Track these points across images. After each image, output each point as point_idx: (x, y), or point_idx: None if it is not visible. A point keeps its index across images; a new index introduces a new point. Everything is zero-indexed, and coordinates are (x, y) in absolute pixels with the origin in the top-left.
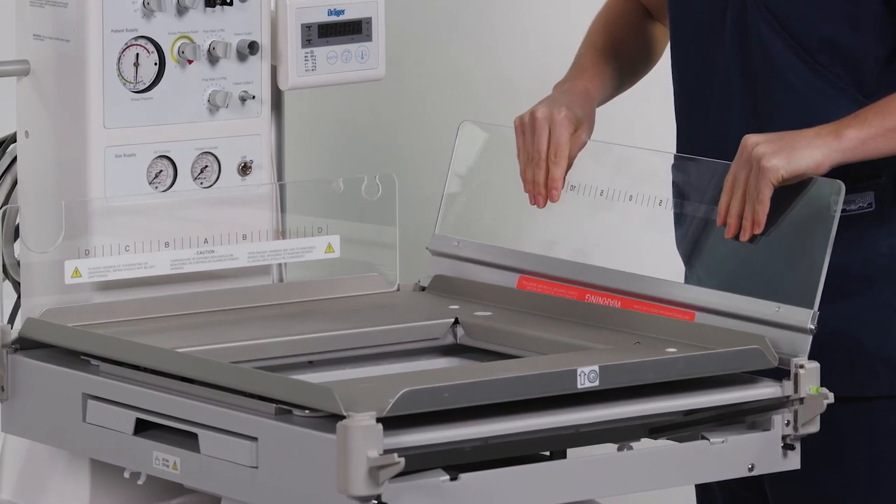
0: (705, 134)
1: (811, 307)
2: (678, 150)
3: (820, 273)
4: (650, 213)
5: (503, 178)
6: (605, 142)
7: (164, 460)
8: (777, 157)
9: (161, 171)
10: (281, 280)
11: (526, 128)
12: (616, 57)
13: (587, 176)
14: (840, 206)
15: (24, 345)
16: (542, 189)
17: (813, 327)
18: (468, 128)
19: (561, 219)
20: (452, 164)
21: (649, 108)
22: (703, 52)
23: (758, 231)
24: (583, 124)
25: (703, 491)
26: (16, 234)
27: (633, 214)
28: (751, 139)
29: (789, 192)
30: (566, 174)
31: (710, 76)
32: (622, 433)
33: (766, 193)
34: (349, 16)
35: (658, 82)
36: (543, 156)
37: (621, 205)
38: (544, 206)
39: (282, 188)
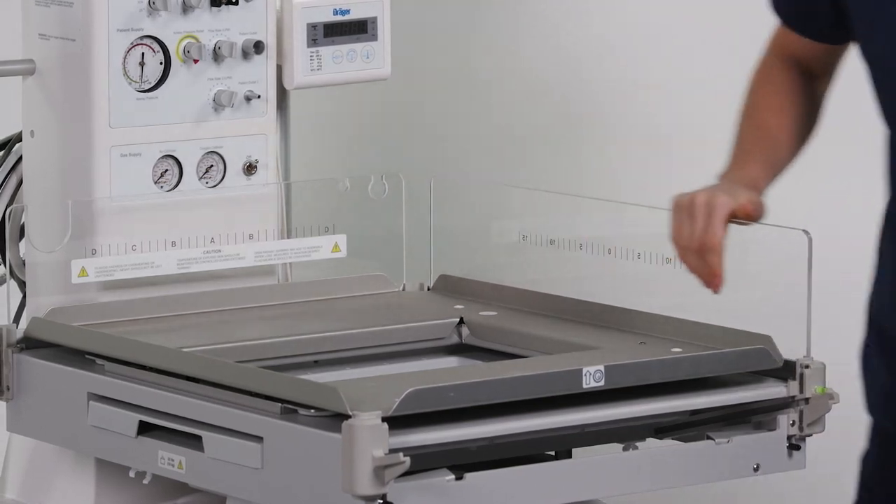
0: None
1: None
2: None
3: (808, 319)
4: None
5: (484, 223)
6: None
7: (169, 460)
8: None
9: (166, 170)
10: (286, 280)
11: (683, 211)
12: (779, 135)
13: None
14: (811, 255)
15: (30, 344)
16: (706, 278)
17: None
18: (440, 182)
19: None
20: (433, 214)
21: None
22: None
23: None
24: (752, 201)
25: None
26: (21, 233)
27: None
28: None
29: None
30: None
31: None
32: (627, 433)
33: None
34: (354, 15)
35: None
36: (696, 244)
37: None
38: (719, 291)
39: (287, 187)
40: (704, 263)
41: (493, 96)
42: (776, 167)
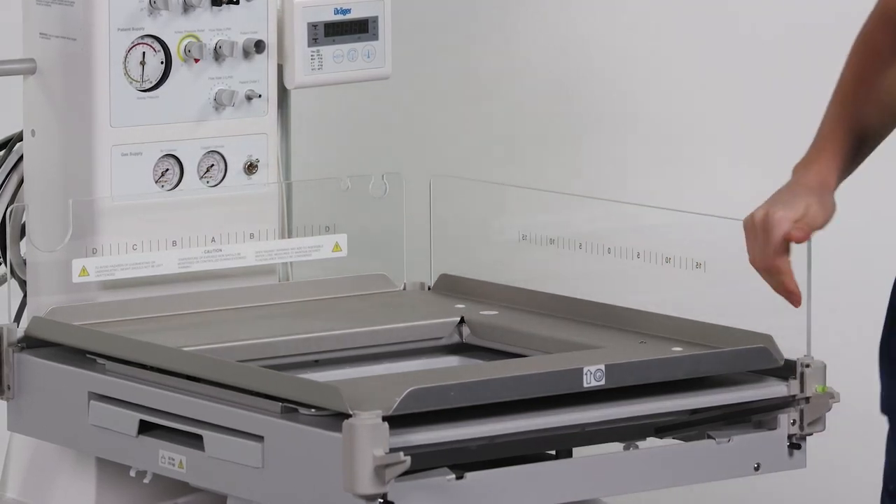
0: None
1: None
2: None
3: (808, 318)
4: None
5: (484, 222)
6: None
7: (170, 459)
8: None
9: (167, 169)
10: (287, 279)
11: (748, 231)
12: (865, 114)
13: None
14: (810, 255)
15: (30, 343)
16: (784, 297)
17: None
18: (440, 181)
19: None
20: (432, 213)
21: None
22: None
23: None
24: (810, 216)
25: None
26: (22, 232)
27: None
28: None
29: None
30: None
31: None
32: (628, 432)
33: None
34: (355, 14)
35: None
36: (766, 266)
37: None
38: (798, 306)
39: (288, 187)
40: (778, 283)
41: (494, 95)
42: (854, 153)
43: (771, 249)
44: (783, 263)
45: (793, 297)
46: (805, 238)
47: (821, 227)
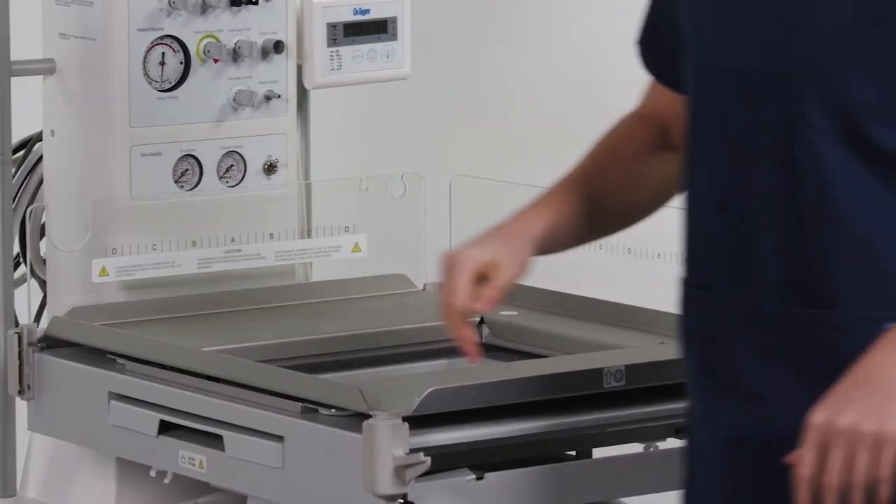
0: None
1: None
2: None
3: None
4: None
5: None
6: None
7: (190, 459)
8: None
9: (187, 169)
10: (307, 279)
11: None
12: (596, 194)
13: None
14: None
15: (50, 343)
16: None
17: None
18: (460, 181)
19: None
20: (452, 217)
21: None
22: (734, 163)
23: None
24: (501, 265)
25: None
26: (41, 232)
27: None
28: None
29: None
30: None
31: (741, 198)
32: (648, 433)
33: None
34: (375, 15)
35: None
36: (441, 307)
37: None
38: (476, 362)
39: (308, 187)
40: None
41: (514, 95)
42: (569, 226)
43: (449, 287)
44: (452, 306)
45: (467, 348)
46: (489, 310)
47: (511, 280)
